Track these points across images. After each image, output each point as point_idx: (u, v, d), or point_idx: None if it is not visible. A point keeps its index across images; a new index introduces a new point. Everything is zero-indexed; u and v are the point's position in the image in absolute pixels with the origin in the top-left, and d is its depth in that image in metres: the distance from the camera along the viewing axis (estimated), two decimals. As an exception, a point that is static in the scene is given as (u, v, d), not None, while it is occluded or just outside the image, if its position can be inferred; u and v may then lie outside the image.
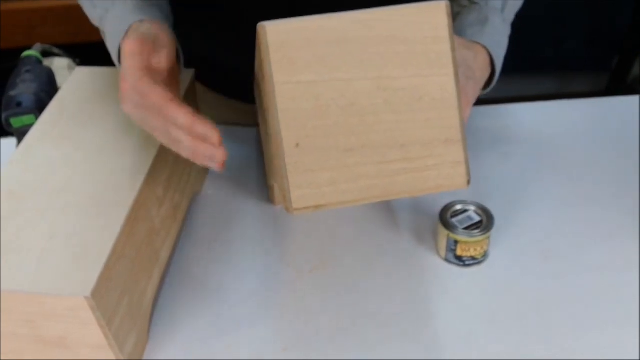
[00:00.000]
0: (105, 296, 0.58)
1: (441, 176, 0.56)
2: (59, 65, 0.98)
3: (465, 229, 0.74)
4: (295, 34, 0.52)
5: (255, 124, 0.92)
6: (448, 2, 0.54)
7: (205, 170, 0.91)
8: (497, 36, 0.75)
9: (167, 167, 0.73)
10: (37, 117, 0.80)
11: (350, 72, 0.54)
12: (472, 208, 0.77)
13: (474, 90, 0.68)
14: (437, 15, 0.54)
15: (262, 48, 0.52)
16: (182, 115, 0.57)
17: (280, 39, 0.52)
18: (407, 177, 0.55)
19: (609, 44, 2.24)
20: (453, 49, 0.55)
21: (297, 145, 0.53)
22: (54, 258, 0.58)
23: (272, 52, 0.52)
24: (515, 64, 0.91)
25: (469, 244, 0.74)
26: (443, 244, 0.76)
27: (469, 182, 0.56)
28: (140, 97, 0.58)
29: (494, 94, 0.79)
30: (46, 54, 0.95)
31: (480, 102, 0.74)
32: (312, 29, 0.53)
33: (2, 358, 0.64)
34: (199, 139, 0.57)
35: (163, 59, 0.63)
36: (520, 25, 0.85)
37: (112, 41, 0.67)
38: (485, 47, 0.72)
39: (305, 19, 0.53)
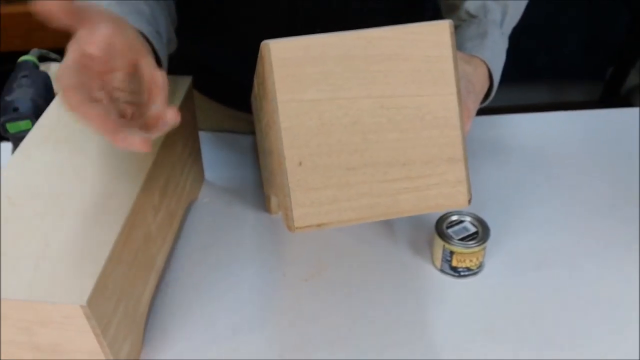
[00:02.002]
0: (101, 304, 0.58)
1: (442, 195, 0.56)
2: (56, 70, 0.97)
3: (461, 239, 0.74)
4: (298, 52, 0.52)
5: (252, 132, 0.93)
6: (452, 22, 0.54)
7: (201, 178, 0.90)
8: (495, 50, 0.75)
9: (163, 174, 0.73)
10: (33, 123, 0.79)
11: (353, 90, 0.54)
12: (468, 219, 0.77)
13: (474, 104, 0.68)
14: (441, 34, 0.54)
15: (265, 65, 0.52)
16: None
17: (284, 57, 0.52)
18: (409, 196, 0.55)
19: (604, 54, 2.26)
20: (456, 68, 0.55)
21: (300, 163, 0.53)
22: (50, 265, 0.58)
23: (276, 70, 0.52)
24: (510, 73, 0.91)
25: (464, 255, 0.74)
26: (439, 254, 0.76)
27: (469, 201, 0.57)
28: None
29: (488, 103, 0.79)
30: (43, 59, 0.95)
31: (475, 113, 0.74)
32: (316, 47, 0.53)
33: (-4, 365, 0.64)
34: None
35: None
36: (516, 35, 0.85)
37: None
38: (484, 61, 0.73)
39: (308, 37, 0.53)
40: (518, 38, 0.89)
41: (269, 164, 0.67)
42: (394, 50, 0.54)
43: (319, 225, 0.54)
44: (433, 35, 0.54)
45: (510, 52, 0.80)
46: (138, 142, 0.53)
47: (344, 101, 0.54)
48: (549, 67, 2.34)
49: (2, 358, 0.63)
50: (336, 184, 0.54)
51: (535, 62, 2.28)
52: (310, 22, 0.81)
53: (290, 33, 0.53)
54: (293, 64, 0.52)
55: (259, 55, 0.55)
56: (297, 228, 0.54)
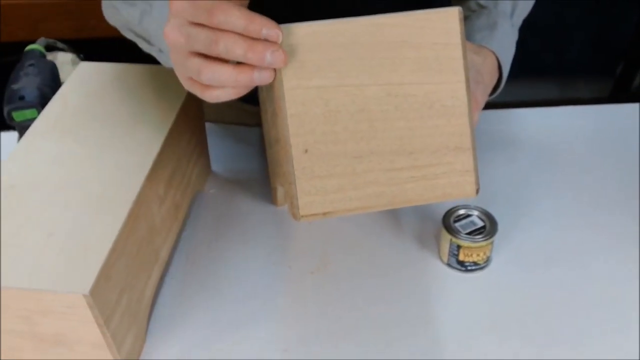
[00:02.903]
0: (104, 294, 0.57)
1: (450, 184, 0.55)
2: (63, 59, 0.97)
3: (468, 234, 0.73)
4: (306, 38, 0.52)
5: (259, 125, 0.92)
6: (461, 9, 0.54)
7: (207, 169, 0.90)
8: (505, 41, 0.74)
9: (169, 164, 0.73)
10: (39, 112, 0.79)
11: (361, 77, 0.53)
12: (476, 213, 0.76)
13: (483, 95, 0.68)
14: (450, 22, 0.53)
15: None
16: (236, 11, 0.49)
17: (291, 43, 0.51)
18: (416, 185, 0.55)
19: (614, 50, 2.24)
20: (465, 56, 0.54)
21: (306, 151, 0.53)
22: (53, 254, 0.58)
23: None
24: (520, 68, 0.91)
25: (471, 249, 0.73)
26: (445, 248, 0.75)
27: (477, 190, 0.56)
28: (192, 5, 0.50)
29: (497, 98, 0.79)
30: (50, 48, 0.95)
31: (484, 106, 0.74)
32: (324, 33, 0.52)
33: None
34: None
35: None
36: (526, 30, 0.84)
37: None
38: (493, 52, 0.72)
39: (316, 23, 0.52)
40: (527, 34, 0.88)
41: (275, 153, 0.66)
42: (402, 37, 0.53)
43: (324, 214, 0.54)
44: (442, 23, 0.53)
45: (519, 48, 0.80)
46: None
47: (351, 88, 0.53)
48: (558, 63, 2.32)
49: (2, 347, 0.63)
50: (342, 172, 0.54)
51: (544, 58, 2.26)
52: (317, 11, 0.81)
53: (297, 20, 0.53)
54: (301, 49, 0.52)
55: None
56: (302, 217, 0.53)
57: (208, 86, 0.52)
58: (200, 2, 0.50)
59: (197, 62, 0.51)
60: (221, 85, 0.51)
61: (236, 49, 0.49)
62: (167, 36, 0.52)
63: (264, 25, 0.48)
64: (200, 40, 0.50)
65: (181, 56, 0.52)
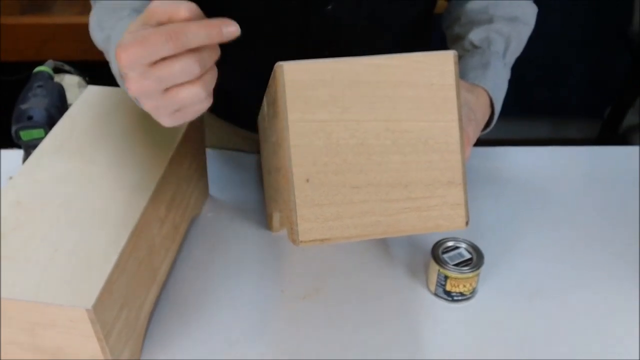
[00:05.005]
0: (105, 310, 0.59)
1: (441, 216, 0.58)
2: (69, 82, 1.00)
3: (456, 265, 0.76)
4: (310, 75, 0.55)
5: (257, 151, 0.95)
6: (456, 52, 0.57)
7: (206, 193, 0.92)
8: (497, 80, 0.77)
9: (171, 187, 0.75)
10: (46, 132, 0.81)
11: (361, 113, 0.56)
12: (464, 245, 0.79)
13: (475, 131, 0.70)
14: (445, 64, 0.57)
15: (278, 86, 0.55)
16: (191, 26, 0.49)
17: (296, 79, 0.54)
18: (409, 215, 0.58)
19: (604, 93, 2.29)
20: (459, 97, 0.57)
21: (307, 180, 0.55)
22: (58, 269, 0.59)
23: (288, 90, 0.54)
24: (511, 108, 0.94)
25: (458, 280, 0.76)
26: (433, 278, 0.77)
27: (467, 223, 0.59)
28: (146, 46, 0.49)
29: (489, 135, 0.82)
30: (57, 70, 0.98)
31: (475, 142, 0.77)
32: (327, 71, 0.55)
33: (-2, 365, 0.65)
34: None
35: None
36: (518, 70, 0.87)
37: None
38: (486, 90, 0.75)
39: (320, 61, 0.55)
40: (520, 74, 0.91)
41: (275, 181, 0.69)
42: (400, 77, 0.56)
43: (322, 240, 0.56)
44: (438, 65, 0.57)
45: (512, 87, 0.83)
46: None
47: (351, 123, 0.56)
48: (549, 103, 2.37)
49: (2, 358, 0.64)
50: (341, 201, 0.56)
51: (536, 98, 2.31)
52: (319, 45, 0.84)
53: (300, 54, 0.56)
54: (304, 85, 0.55)
55: (271, 75, 0.57)
56: (301, 242, 0.56)
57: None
58: (152, 38, 0.49)
59: (177, 90, 0.52)
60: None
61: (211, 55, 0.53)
62: (135, 91, 0.52)
63: (221, 25, 0.50)
64: (177, 75, 0.50)
65: (157, 99, 0.52)
